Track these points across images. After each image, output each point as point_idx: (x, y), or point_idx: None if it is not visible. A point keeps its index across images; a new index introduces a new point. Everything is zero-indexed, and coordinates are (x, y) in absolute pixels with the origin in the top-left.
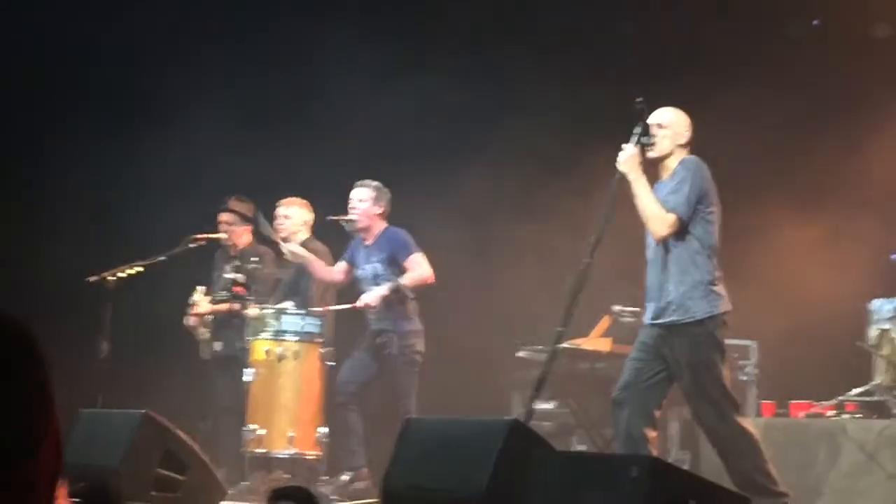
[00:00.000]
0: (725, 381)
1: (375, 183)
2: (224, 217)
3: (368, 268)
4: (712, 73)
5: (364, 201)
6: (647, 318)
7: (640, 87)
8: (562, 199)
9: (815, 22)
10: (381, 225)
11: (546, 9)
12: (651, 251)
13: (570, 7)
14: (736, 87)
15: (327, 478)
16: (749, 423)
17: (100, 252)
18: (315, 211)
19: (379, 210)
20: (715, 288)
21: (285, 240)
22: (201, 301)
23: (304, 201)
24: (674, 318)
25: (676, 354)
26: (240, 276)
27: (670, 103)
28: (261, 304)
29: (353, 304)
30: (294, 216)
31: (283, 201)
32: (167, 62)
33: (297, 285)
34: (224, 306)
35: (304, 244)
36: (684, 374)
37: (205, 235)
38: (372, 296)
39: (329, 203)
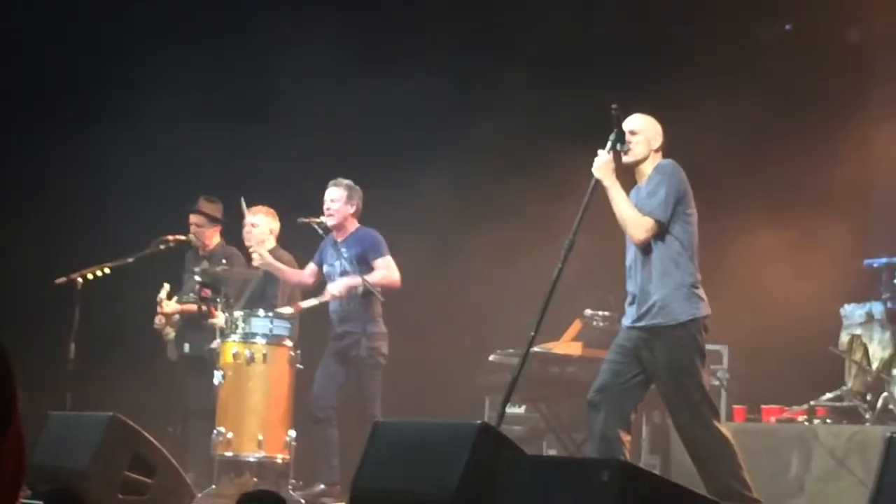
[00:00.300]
0: (705, 386)
1: (347, 181)
2: (193, 218)
3: (337, 264)
4: (684, 77)
5: (336, 201)
6: (627, 321)
7: (610, 91)
8: (533, 202)
9: (787, 26)
10: (353, 224)
11: (511, 11)
12: (631, 255)
13: (540, 9)
14: (708, 92)
15: (295, 482)
16: (726, 429)
17: (68, 253)
18: (281, 217)
19: (352, 209)
20: (697, 291)
21: (251, 247)
22: (167, 301)
23: (271, 209)
24: (656, 320)
25: (657, 357)
26: (207, 278)
27: (641, 107)
28: (229, 306)
29: (322, 299)
30: (261, 224)
31: (250, 209)
32: (136, 61)
33: (264, 291)
34: (192, 306)
35: (270, 253)
36: (664, 377)
37: (174, 237)
38: (338, 285)
39: (295, 206)
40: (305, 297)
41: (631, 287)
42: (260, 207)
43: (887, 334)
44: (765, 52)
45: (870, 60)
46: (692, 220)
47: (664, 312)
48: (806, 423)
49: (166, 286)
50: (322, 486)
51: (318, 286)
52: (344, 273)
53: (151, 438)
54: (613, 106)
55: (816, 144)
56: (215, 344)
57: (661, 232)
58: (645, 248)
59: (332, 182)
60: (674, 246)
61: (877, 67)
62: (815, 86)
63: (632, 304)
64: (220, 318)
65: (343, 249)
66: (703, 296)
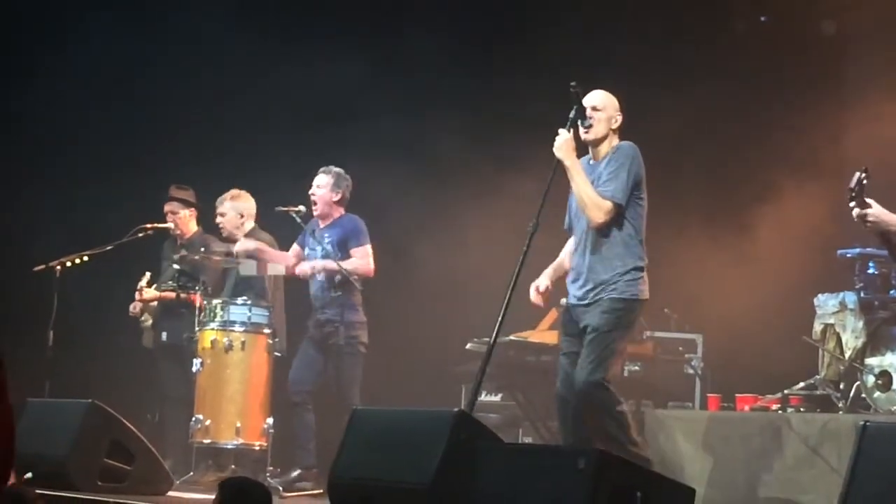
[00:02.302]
0: (615, 354)
1: (337, 169)
2: (168, 207)
3: (318, 248)
4: (659, 69)
5: (322, 187)
6: (572, 299)
7: (580, 80)
8: (508, 188)
9: (762, 18)
10: (338, 211)
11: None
12: (580, 233)
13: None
14: (681, 83)
15: (272, 469)
16: (624, 406)
17: (48, 241)
18: (260, 202)
19: (336, 197)
20: (643, 274)
21: (229, 237)
22: (147, 289)
23: (238, 192)
24: (601, 296)
25: (587, 321)
26: (185, 266)
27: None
28: (207, 293)
29: (292, 270)
30: (228, 212)
31: (223, 196)
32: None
33: (251, 279)
34: (170, 294)
35: (250, 234)
36: (587, 332)
37: (152, 225)
38: (311, 263)
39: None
40: (291, 292)
41: (577, 265)
42: (233, 192)
43: (860, 323)
44: (740, 44)
45: (844, 52)
46: (644, 204)
47: (609, 289)
48: (779, 412)
49: (147, 274)
50: (298, 471)
51: (304, 283)
52: (325, 257)
53: (130, 426)
54: (572, 83)
55: (790, 135)
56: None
57: (618, 215)
58: (597, 229)
59: (322, 168)
60: (627, 229)
61: (850, 59)
62: (789, 77)
63: (576, 281)
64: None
65: (325, 235)
66: (647, 280)
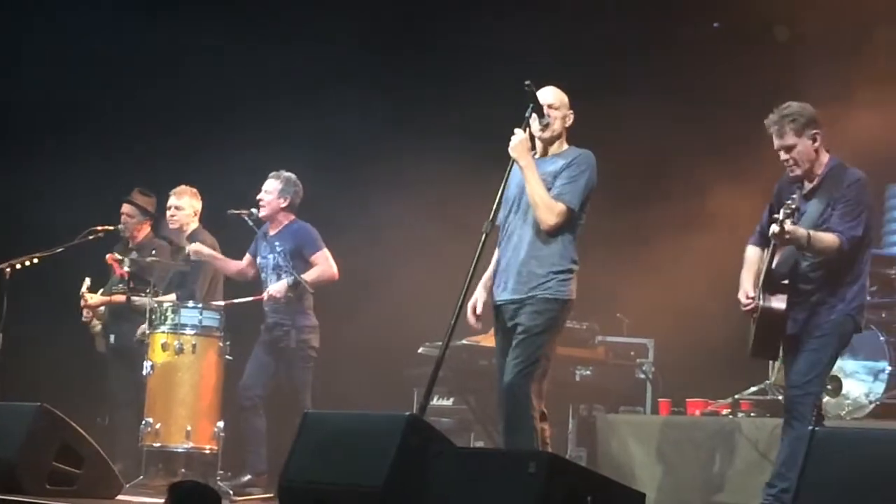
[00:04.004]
0: (545, 357)
1: (287, 174)
2: (126, 208)
3: (270, 257)
4: (609, 76)
5: (270, 192)
6: (500, 297)
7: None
8: (458, 195)
9: (715, 24)
10: (286, 217)
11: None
12: (516, 230)
13: (441, 12)
14: (635, 89)
15: (223, 472)
16: (546, 425)
17: None
18: (210, 204)
19: (284, 203)
20: (573, 276)
21: (178, 230)
22: (89, 294)
23: (194, 189)
24: (534, 293)
25: (519, 320)
26: (135, 268)
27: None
28: (157, 296)
29: (258, 296)
30: (186, 207)
31: (175, 191)
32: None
33: (185, 279)
34: (120, 297)
35: (194, 234)
36: (517, 333)
37: (103, 227)
38: (277, 287)
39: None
40: (240, 287)
41: (510, 261)
42: (184, 188)
43: None
44: (693, 51)
45: (797, 58)
46: (587, 210)
47: (542, 288)
48: (730, 417)
49: (87, 279)
50: (248, 476)
51: (255, 277)
52: (277, 267)
53: (79, 429)
54: (527, 82)
55: (743, 142)
56: (140, 331)
57: (568, 219)
58: (535, 228)
59: (271, 174)
60: (566, 232)
61: (804, 65)
62: (742, 83)
63: (506, 279)
64: (144, 301)
65: (276, 243)
66: (576, 281)
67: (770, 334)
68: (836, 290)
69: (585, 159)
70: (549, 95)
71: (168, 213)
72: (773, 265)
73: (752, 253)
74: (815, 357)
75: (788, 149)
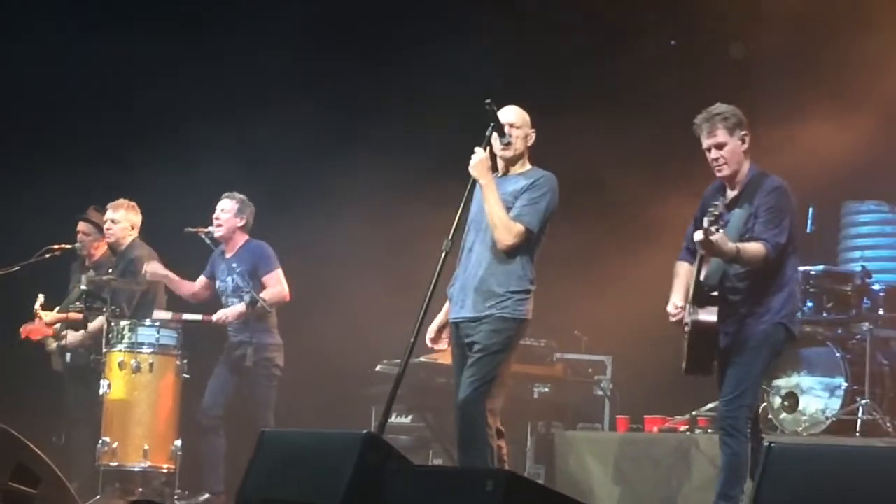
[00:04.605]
0: (500, 376)
1: (241, 196)
2: (82, 226)
3: (229, 280)
4: (561, 93)
5: (227, 212)
6: (458, 314)
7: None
8: (418, 210)
9: (672, 42)
10: (242, 237)
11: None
12: (476, 249)
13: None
14: (592, 106)
15: (180, 492)
16: (503, 442)
17: None
18: (168, 222)
19: (241, 222)
20: (530, 296)
21: (115, 244)
22: (43, 312)
23: (132, 203)
24: (491, 312)
25: (475, 338)
26: (92, 287)
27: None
28: (115, 315)
29: (208, 318)
30: (122, 220)
31: (111, 204)
32: (18, 79)
33: (154, 302)
34: (76, 315)
35: (131, 247)
36: (473, 351)
37: (59, 246)
38: (228, 312)
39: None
40: (195, 307)
41: (469, 279)
42: (121, 202)
43: None
44: (651, 68)
45: (753, 75)
46: (546, 233)
47: (500, 306)
48: (687, 433)
49: (41, 297)
50: (206, 496)
51: (209, 299)
52: (237, 289)
53: (35, 448)
54: (487, 101)
55: (699, 159)
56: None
57: (526, 240)
58: (496, 248)
59: (225, 194)
60: (525, 252)
61: (760, 82)
62: (699, 100)
63: (465, 296)
64: (96, 322)
65: (234, 265)
66: (532, 301)
67: (703, 348)
68: (762, 300)
69: (548, 181)
70: (511, 114)
71: (104, 226)
72: (702, 277)
73: (681, 268)
74: (745, 370)
75: (719, 146)
